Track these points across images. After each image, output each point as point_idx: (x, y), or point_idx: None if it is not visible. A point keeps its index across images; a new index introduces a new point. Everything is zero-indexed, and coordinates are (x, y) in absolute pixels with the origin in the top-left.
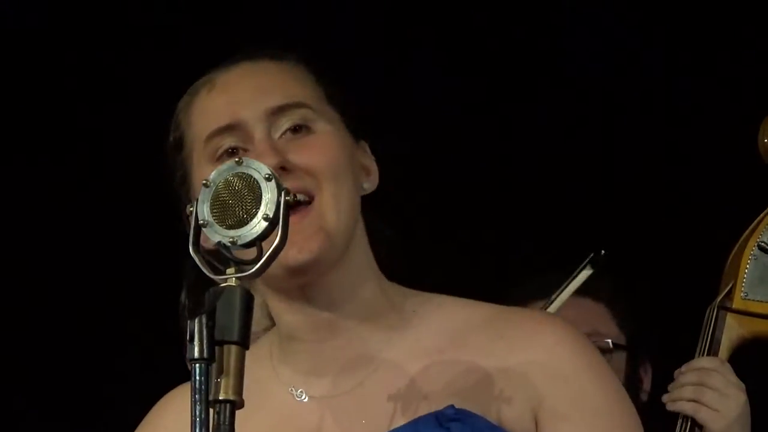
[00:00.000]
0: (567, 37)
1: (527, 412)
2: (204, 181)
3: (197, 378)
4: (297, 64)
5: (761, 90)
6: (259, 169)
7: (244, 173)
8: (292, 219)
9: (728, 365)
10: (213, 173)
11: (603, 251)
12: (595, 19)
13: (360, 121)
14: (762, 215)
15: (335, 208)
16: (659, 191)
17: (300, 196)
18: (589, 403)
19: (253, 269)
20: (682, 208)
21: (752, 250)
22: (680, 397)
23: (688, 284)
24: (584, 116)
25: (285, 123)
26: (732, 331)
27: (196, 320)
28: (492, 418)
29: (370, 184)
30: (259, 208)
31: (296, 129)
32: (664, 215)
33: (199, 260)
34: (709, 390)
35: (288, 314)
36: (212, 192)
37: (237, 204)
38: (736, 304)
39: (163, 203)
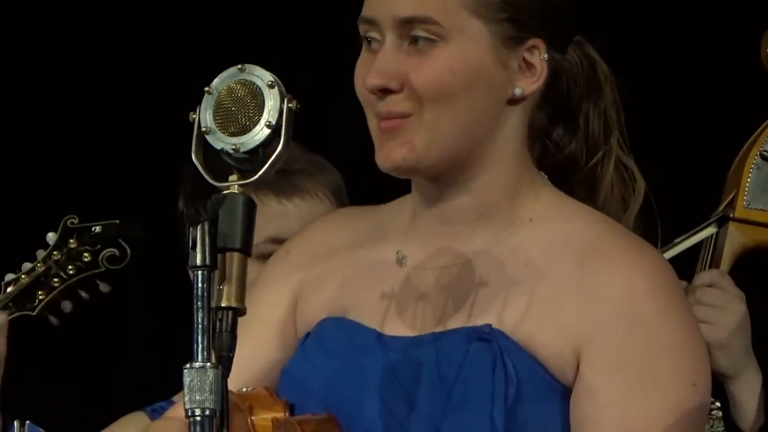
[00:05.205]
0: None
1: (568, 350)
2: (206, 89)
3: (199, 285)
4: None
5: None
6: (262, 76)
7: (247, 80)
8: (390, 125)
9: (727, 277)
10: (216, 80)
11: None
12: None
13: (528, 22)
14: (765, 124)
15: (431, 130)
16: (653, 109)
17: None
18: (635, 359)
19: (255, 176)
20: (684, 118)
21: (755, 159)
22: None
23: (688, 195)
24: None
25: (411, 33)
26: (734, 240)
27: (198, 228)
28: (526, 344)
29: (525, 88)
30: (261, 116)
31: (415, 40)
32: (664, 127)
33: (201, 167)
34: (704, 307)
35: (414, 187)
36: (215, 99)
37: (240, 111)
38: (739, 212)
39: None
